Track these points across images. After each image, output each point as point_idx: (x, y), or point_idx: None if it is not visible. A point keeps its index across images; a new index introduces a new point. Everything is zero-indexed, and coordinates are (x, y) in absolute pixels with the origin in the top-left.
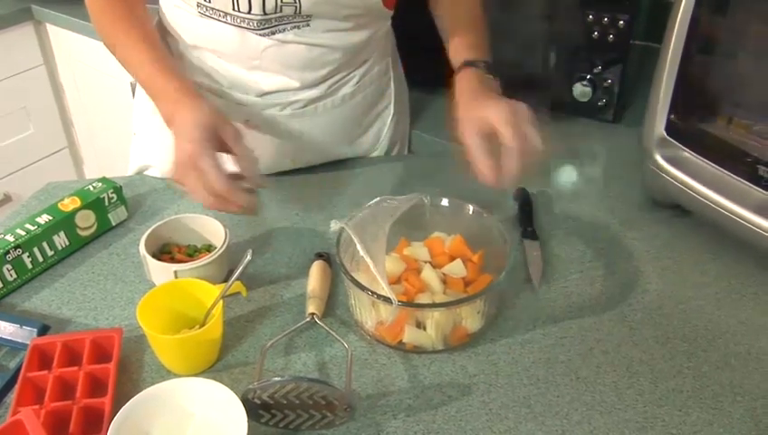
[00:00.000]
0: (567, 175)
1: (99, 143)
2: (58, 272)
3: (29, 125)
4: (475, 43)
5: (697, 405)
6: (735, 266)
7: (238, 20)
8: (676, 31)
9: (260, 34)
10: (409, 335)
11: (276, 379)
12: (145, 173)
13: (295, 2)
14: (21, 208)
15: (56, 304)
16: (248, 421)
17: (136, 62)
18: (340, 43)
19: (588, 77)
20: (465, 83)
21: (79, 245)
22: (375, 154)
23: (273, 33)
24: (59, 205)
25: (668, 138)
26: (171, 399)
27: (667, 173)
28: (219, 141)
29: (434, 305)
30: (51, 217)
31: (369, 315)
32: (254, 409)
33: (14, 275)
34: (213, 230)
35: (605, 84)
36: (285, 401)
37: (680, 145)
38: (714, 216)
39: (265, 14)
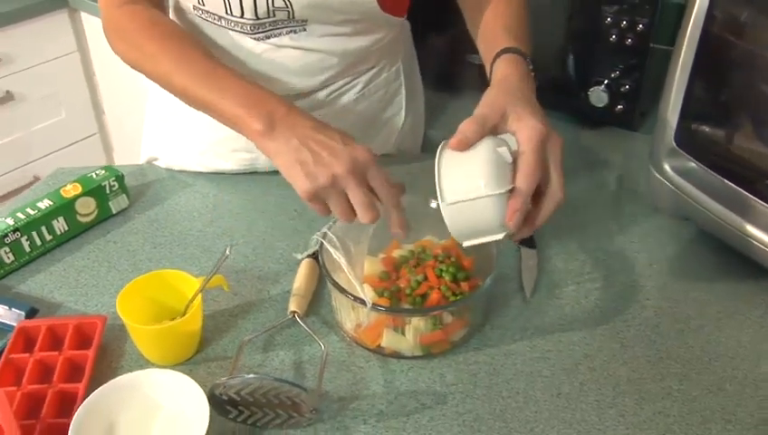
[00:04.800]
0: (574, 182)
1: (128, 131)
2: (55, 256)
3: (61, 111)
4: (520, 36)
5: (683, 431)
6: (741, 286)
7: (232, 24)
8: (687, 38)
9: (255, 39)
10: (388, 340)
11: (243, 376)
12: (153, 163)
13: (287, 6)
14: (29, 193)
15: (49, 288)
16: (216, 416)
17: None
18: (337, 48)
19: (605, 82)
20: (502, 71)
21: (78, 231)
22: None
23: (269, 38)
24: (61, 190)
25: (678, 148)
26: (140, 389)
27: (676, 184)
28: None
29: (413, 311)
30: (51, 203)
31: (349, 317)
32: (222, 404)
33: (12, 258)
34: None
35: (622, 90)
36: (252, 399)
37: (690, 156)
38: (721, 231)
39: (258, 18)
